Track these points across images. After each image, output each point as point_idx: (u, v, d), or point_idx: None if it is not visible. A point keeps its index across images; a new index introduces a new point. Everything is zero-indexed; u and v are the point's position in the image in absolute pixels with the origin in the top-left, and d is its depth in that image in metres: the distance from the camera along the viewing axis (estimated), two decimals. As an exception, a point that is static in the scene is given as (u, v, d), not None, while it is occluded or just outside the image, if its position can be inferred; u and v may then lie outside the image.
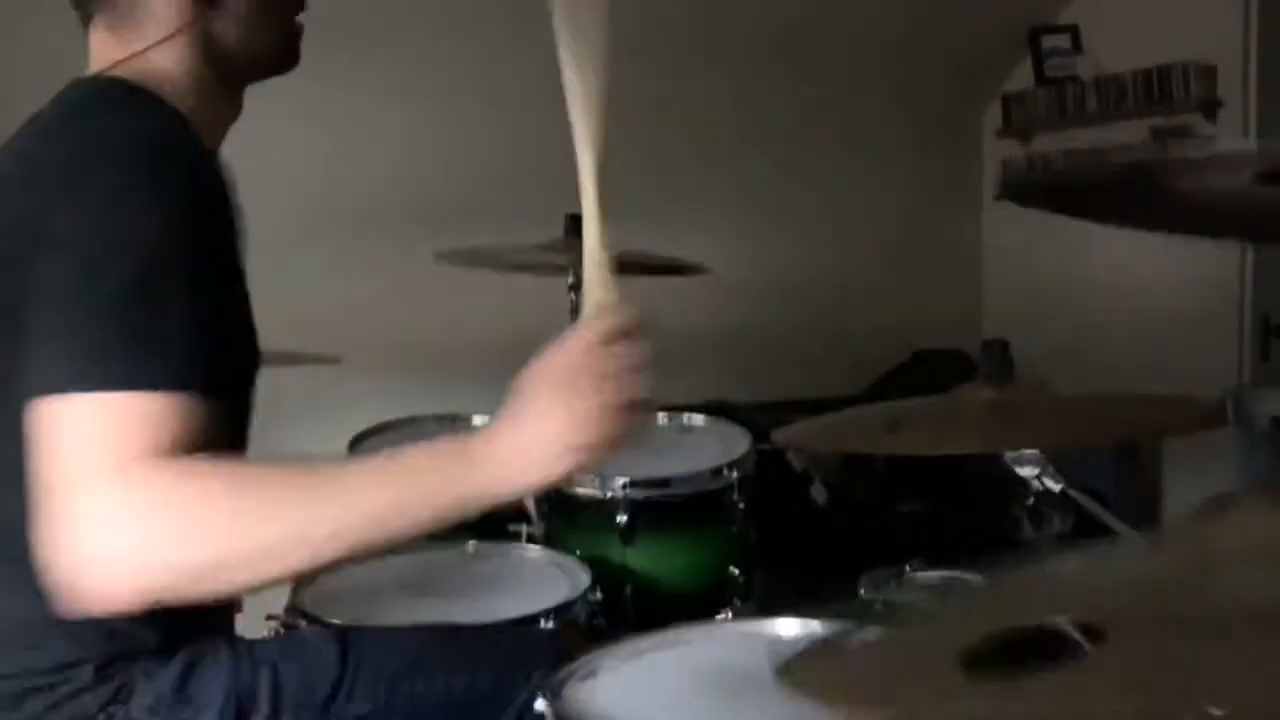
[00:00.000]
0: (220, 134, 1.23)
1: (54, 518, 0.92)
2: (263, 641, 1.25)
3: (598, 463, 1.02)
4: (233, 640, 1.21)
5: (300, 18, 1.25)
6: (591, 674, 1.23)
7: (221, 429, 1.00)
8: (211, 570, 0.93)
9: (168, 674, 1.11)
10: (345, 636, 1.24)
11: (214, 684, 1.13)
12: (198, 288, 1.01)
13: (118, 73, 1.12)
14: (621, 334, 1.04)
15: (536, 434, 1.00)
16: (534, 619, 1.45)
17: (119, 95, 1.10)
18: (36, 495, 0.93)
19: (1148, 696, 0.61)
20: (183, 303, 0.99)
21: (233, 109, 1.25)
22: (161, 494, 0.92)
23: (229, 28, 1.17)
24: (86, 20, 1.17)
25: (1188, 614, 0.71)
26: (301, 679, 1.17)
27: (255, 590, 0.99)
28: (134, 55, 1.12)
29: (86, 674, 1.07)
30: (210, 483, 0.95)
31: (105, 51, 1.15)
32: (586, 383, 1.00)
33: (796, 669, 0.77)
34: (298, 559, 0.96)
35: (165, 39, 1.13)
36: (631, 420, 1.02)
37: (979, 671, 0.68)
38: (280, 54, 1.24)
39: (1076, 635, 0.73)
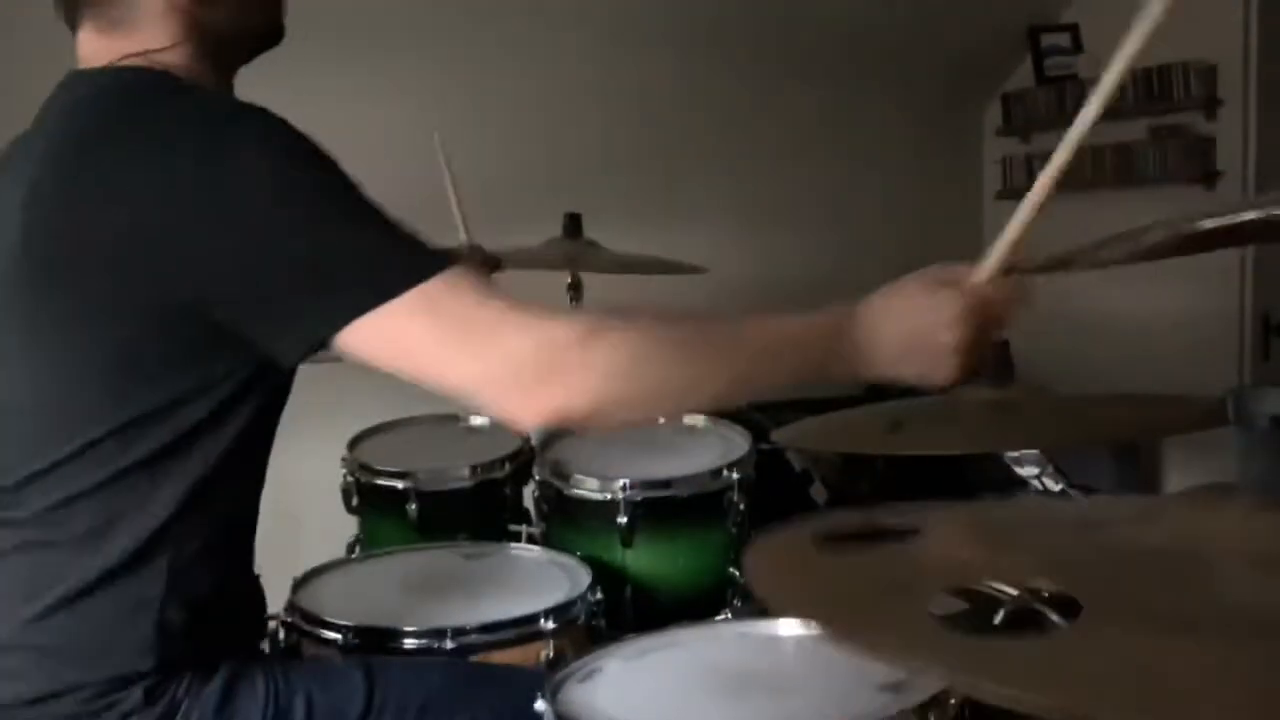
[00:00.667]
0: None
1: (485, 368, 1.01)
2: (295, 665, 1.26)
3: (925, 382, 1.13)
4: (266, 662, 1.22)
5: None
6: (591, 674, 1.23)
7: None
8: (617, 400, 1.03)
9: (210, 695, 1.12)
10: (371, 667, 1.24)
11: (253, 706, 1.14)
12: (372, 203, 1.08)
13: (131, 65, 1.12)
14: (1006, 304, 1.14)
15: (904, 339, 1.11)
16: (534, 619, 1.45)
17: (170, 83, 1.11)
18: (440, 384, 1.02)
19: (1114, 679, 0.62)
20: (380, 213, 1.07)
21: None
22: (581, 325, 1.02)
23: (220, 18, 1.16)
24: (73, 21, 1.16)
25: (1167, 602, 0.71)
26: (333, 706, 1.18)
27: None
28: (138, 53, 1.12)
29: (137, 695, 1.08)
30: (630, 320, 1.05)
31: (97, 51, 1.13)
32: (964, 317, 1.10)
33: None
34: (690, 399, 1.16)
35: (173, 46, 1.13)
36: (964, 370, 1.12)
37: (953, 623, 0.69)
38: (269, 31, 1.24)
39: (1051, 611, 0.75)
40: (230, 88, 1.23)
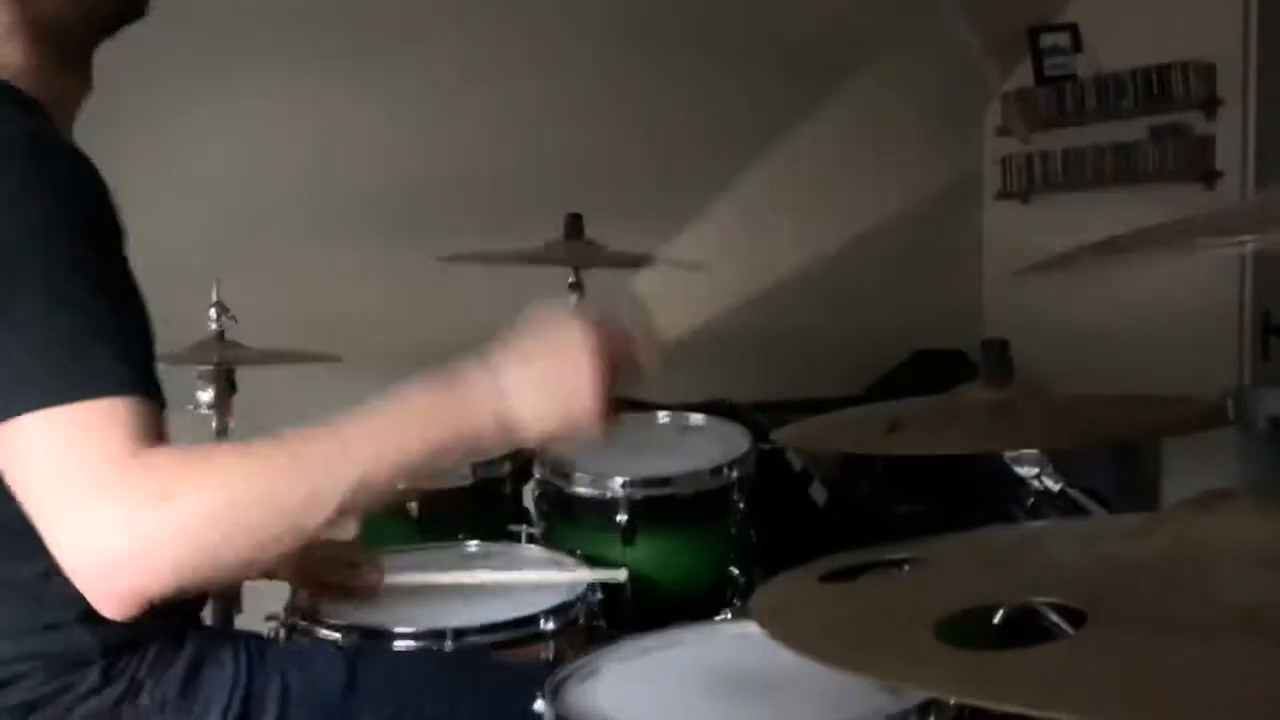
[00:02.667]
0: (74, 113, 1.15)
1: (64, 537, 0.91)
2: (272, 647, 1.25)
3: (574, 438, 1.06)
4: (238, 641, 1.21)
5: None
6: (591, 674, 1.23)
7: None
8: (220, 550, 0.92)
9: (174, 671, 1.11)
10: (355, 652, 1.24)
11: (220, 682, 1.13)
12: (109, 286, 0.99)
13: None
14: (638, 334, 1.09)
15: (542, 388, 1.03)
16: (534, 619, 1.45)
17: None
18: (33, 518, 0.92)
19: (1119, 686, 0.62)
20: (102, 301, 0.97)
21: (83, 84, 1.16)
22: (164, 483, 0.91)
23: (50, 2, 1.08)
24: None
25: (1171, 607, 0.71)
26: (310, 689, 1.17)
27: (277, 559, 0.99)
28: None
29: (94, 674, 1.07)
30: (212, 457, 0.95)
31: None
32: (598, 359, 1.03)
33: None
34: (309, 520, 0.95)
35: (4, 40, 1.06)
36: (613, 414, 1.06)
37: (956, 640, 0.69)
38: (121, 3, 1.14)
39: (1056, 618, 0.75)
40: (86, 70, 1.15)
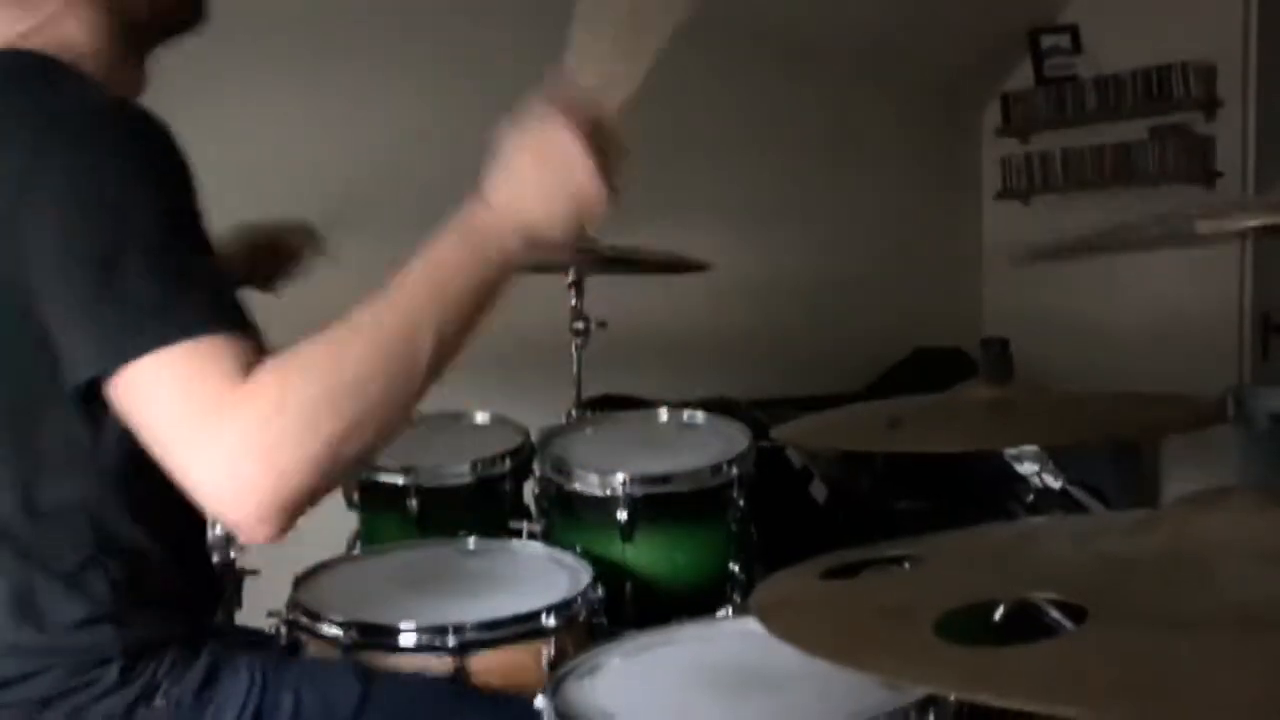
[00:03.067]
0: None
1: (199, 475, 0.93)
2: (287, 661, 1.26)
3: (594, 221, 1.08)
4: (256, 650, 1.22)
5: None
6: (591, 671, 1.24)
7: None
8: (340, 441, 0.95)
9: (191, 676, 1.12)
10: (369, 674, 1.24)
11: (235, 691, 1.14)
12: (196, 236, 1.03)
13: (28, 45, 1.09)
14: (607, 121, 1.10)
15: (541, 185, 1.05)
16: (535, 615, 1.45)
17: (46, 70, 1.07)
18: (165, 463, 0.95)
19: (1119, 682, 0.62)
20: (192, 251, 1.01)
21: (141, 83, 1.20)
22: (267, 397, 0.94)
23: None
24: None
25: (1171, 603, 0.71)
26: (322, 706, 1.17)
27: (393, 435, 1.02)
28: (42, 27, 1.09)
29: (113, 674, 1.08)
30: (299, 364, 0.97)
31: (3, 31, 1.10)
32: (583, 139, 1.05)
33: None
34: (406, 393, 0.99)
35: (79, 25, 1.10)
36: (605, 200, 1.07)
37: (956, 637, 0.69)
38: (187, 9, 1.20)
39: (1056, 615, 0.75)
40: (142, 69, 1.20)
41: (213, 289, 1.00)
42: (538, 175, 1.05)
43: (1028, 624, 0.83)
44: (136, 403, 0.96)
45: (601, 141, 1.06)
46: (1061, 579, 0.80)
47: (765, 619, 0.83)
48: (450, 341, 1.02)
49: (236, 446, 0.92)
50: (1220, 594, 0.74)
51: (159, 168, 1.02)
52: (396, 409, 0.99)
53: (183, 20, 1.20)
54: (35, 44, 1.09)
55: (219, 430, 0.92)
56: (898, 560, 0.92)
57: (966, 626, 0.73)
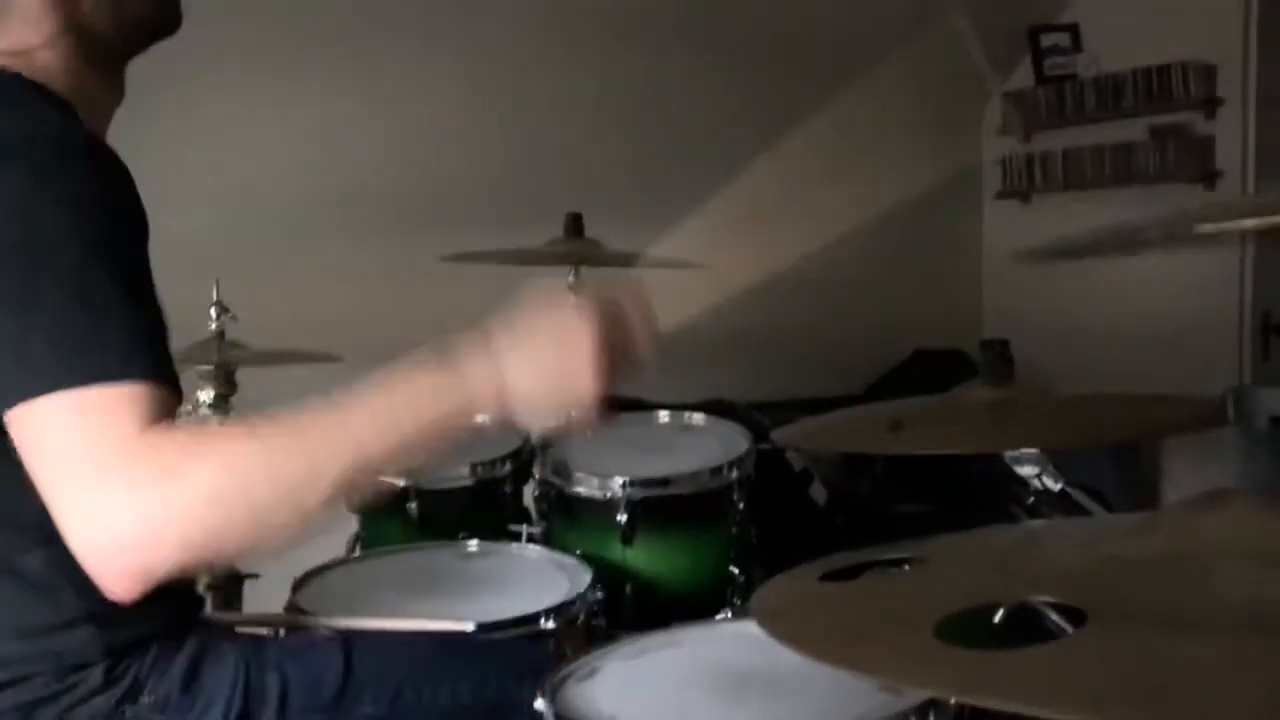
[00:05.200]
0: (106, 120, 1.18)
1: (73, 516, 0.92)
2: (270, 641, 1.26)
3: (568, 425, 1.05)
4: (238, 637, 1.22)
5: None
6: (591, 673, 1.23)
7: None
8: (224, 528, 0.93)
9: (175, 670, 1.12)
10: (350, 642, 1.24)
11: (221, 680, 1.13)
12: (129, 278, 1.00)
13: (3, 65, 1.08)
14: (636, 316, 1.06)
15: (538, 368, 1.02)
16: (534, 618, 1.45)
17: (7, 91, 1.07)
18: (45, 499, 0.93)
19: (1120, 685, 0.62)
20: (121, 292, 0.98)
21: (116, 93, 1.19)
22: (166, 462, 0.91)
23: (100, 12, 1.12)
24: None
25: (1171, 606, 0.71)
26: (309, 680, 1.17)
27: (282, 542, 0.97)
28: (11, 52, 1.08)
29: (96, 675, 1.08)
30: (216, 436, 0.96)
31: None
32: (599, 346, 1.02)
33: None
34: (309, 499, 0.95)
35: (46, 43, 1.09)
36: (609, 407, 1.04)
37: (956, 640, 0.69)
38: (157, 18, 1.18)
39: (1057, 618, 0.75)
40: (119, 80, 1.19)
41: (136, 334, 0.97)
42: (542, 359, 1.02)
43: (1028, 627, 0.83)
44: (31, 440, 0.94)
45: (620, 336, 1.04)
46: (1061, 582, 0.80)
47: (765, 622, 0.83)
48: (375, 467, 0.99)
49: (122, 501, 0.90)
50: (1220, 596, 0.74)
51: (104, 205, 1.01)
52: (292, 515, 0.95)
53: (157, 28, 1.18)
54: (6, 64, 1.08)
55: (109, 480, 0.90)
56: (898, 563, 0.92)
57: (967, 629, 0.73)
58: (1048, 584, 0.80)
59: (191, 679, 1.12)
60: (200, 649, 1.14)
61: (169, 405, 0.96)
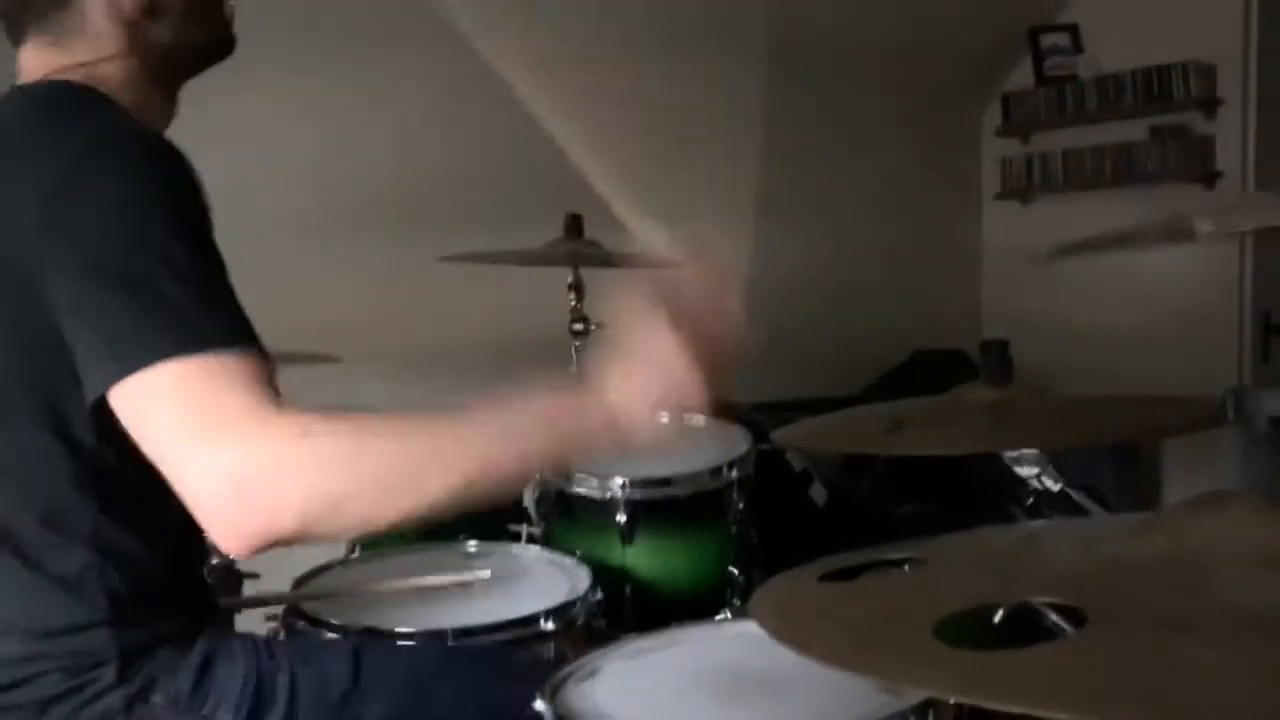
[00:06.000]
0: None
1: (196, 470, 0.93)
2: (279, 641, 1.26)
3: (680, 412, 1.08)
4: (248, 638, 1.23)
5: (230, 2, 1.25)
6: (591, 674, 1.24)
7: None
8: (331, 508, 0.94)
9: (186, 669, 1.13)
10: (358, 646, 1.25)
11: (231, 678, 1.14)
12: (218, 263, 1.05)
13: (65, 78, 1.13)
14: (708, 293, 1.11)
15: (640, 382, 1.04)
16: (534, 619, 1.45)
17: (87, 98, 1.11)
18: (162, 465, 0.95)
19: (1119, 685, 0.62)
20: (219, 276, 1.04)
21: (170, 110, 1.25)
22: (289, 429, 0.93)
23: (165, 33, 1.18)
24: (17, 38, 1.17)
25: (1171, 607, 0.71)
26: (317, 681, 1.18)
27: (388, 528, 0.99)
28: (78, 65, 1.13)
29: (110, 674, 1.09)
30: (347, 414, 0.97)
31: (39, 65, 1.15)
32: (678, 329, 1.04)
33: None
34: (416, 499, 0.97)
35: (112, 59, 1.15)
36: (718, 378, 1.06)
37: (956, 640, 0.69)
38: (216, 44, 1.25)
39: (1056, 618, 0.75)
40: (173, 101, 1.25)
41: (235, 311, 1.02)
42: (643, 383, 1.05)
43: (1027, 627, 0.83)
44: (147, 407, 0.96)
45: (704, 330, 1.06)
46: (1061, 582, 0.80)
47: (765, 622, 0.83)
48: (494, 478, 1.01)
49: (252, 455, 0.92)
50: (1219, 597, 0.74)
51: (183, 195, 1.06)
52: (412, 501, 0.96)
53: (212, 53, 1.25)
54: (74, 77, 1.13)
55: (230, 442, 0.92)
56: (898, 564, 0.92)
57: (966, 630, 0.73)
58: (1048, 585, 0.80)
59: (202, 678, 1.13)
60: (212, 648, 1.15)
61: (274, 376, 0.98)
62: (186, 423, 0.94)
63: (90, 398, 0.98)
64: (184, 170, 1.07)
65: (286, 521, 0.92)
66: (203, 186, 1.10)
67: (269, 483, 0.91)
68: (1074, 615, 0.72)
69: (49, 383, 1.03)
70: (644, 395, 1.04)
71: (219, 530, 0.93)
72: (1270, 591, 0.72)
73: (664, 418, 1.06)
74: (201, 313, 0.98)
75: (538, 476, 1.05)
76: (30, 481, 1.07)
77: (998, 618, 0.84)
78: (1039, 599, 0.78)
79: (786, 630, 0.81)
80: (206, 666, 1.14)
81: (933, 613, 0.74)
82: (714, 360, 1.05)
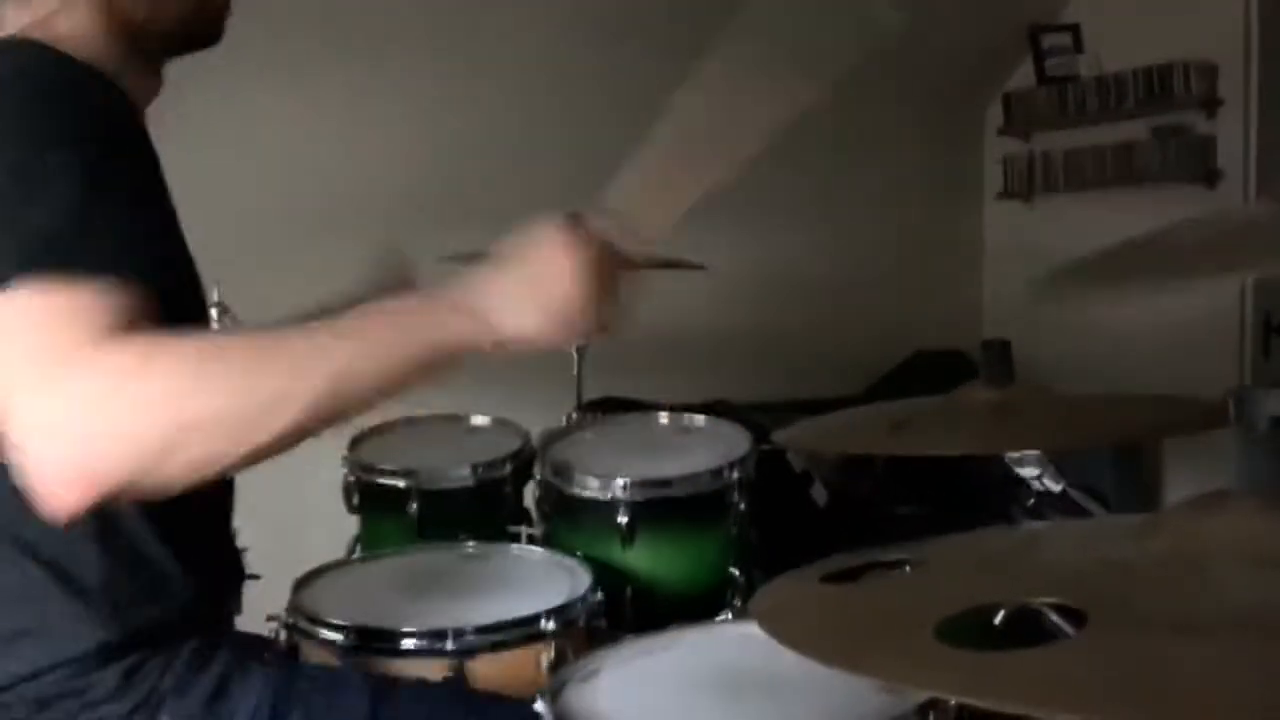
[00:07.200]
0: (144, 103, 1.17)
1: (24, 415, 0.86)
2: (299, 672, 1.25)
3: (554, 341, 1.04)
4: (268, 664, 1.21)
5: None
6: (591, 675, 1.23)
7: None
8: (178, 441, 0.87)
9: (199, 690, 1.11)
10: (377, 686, 1.23)
11: (245, 705, 1.13)
12: (119, 201, 0.97)
13: (29, 35, 1.08)
14: (624, 255, 1.09)
15: (520, 290, 1.02)
16: (534, 619, 1.45)
17: (27, 49, 1.06)
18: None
19: (1120, 686, 0.62)
20: (113, 208, 0.96)
21: (152, 82, 1.19)
22: (125, 366, 0.87)
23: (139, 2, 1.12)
24: None
25: (1172, 608, 0.71)
26: (333, 718, 1.17)
27: (246, 463, 0.92)
28: (36, 22, 1.08)
29: (111, 680, 1.08)
30: (159, 351, 0.89)
31: (12, 25, 1.10)
32: (584, 270, 1.03)
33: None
34: (277, 420, 0.90)
35: (80, 21, 1.09)
36: (597, 321, 1.05)
37: (957, 641, 0.69)
38: (194, 26, 1.18)
39: (1057, 619, 0.75)
40: (158, 75, 1.19)
41: (118, 242, 0.93)
42: (522, 280, 1.03)
43: (1028, 628, 0.83)
44: None
45: (604, 277, 1.05)
46: (1062, 583, 0.80)
47: (765, 623, 0.83)
48: (349, 399, 0.94)
49: (74, 402, 0.85)
50: (1221, 599, 0.74)
51: (88, 124, 0.99)
52: (255, 435, 0.90)
53: (194, 36, 1.19)
54: (35, 34, 1.08)
55: (63, 380, 0.85)
56: (898, 564, 0.92)
57: (967, 631, 0.73)
58: (1048, 585, 0.80)
59: (216, 700, 1.12)
60: (228, 671, 1.14)
61: (135, 310, 0.90)
62: (18, 355, 0.87)
63: None
64: (102, 105, 1.02)
65: (111, 472, 0.85)
66: (142, 128, 1.05)
67: (93, 433, 0.85)
68: (1075, 616, 0.72)
69: None
70: (523, 295, 1.01)
71: (42, 485, 0.86)
72: (1271, 591, 0.72)
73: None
74: (68, 239, 0.90)
75: (400, 390, 0.97)
76: None
77: (998, 619, 0.84)
78: (1040, 600, 0.78)
79: (787, 631, 0.80)
80: (221, 692, 1.12)
81: (933, 613, 0.74)
82: (603, 296, 1.04)
